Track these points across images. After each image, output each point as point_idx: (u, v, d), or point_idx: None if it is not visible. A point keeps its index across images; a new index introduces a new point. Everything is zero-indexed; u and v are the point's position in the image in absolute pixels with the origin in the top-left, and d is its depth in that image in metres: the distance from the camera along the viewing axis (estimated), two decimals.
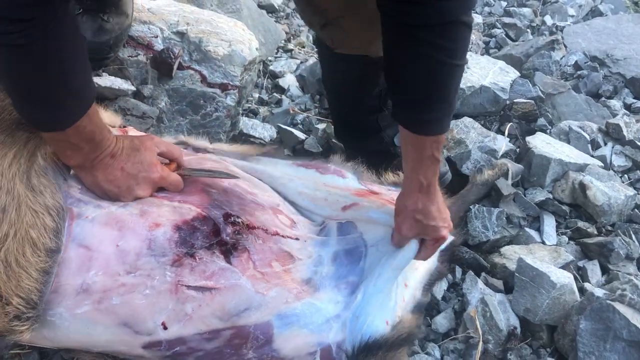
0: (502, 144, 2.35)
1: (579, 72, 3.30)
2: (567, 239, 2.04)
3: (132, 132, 1.55)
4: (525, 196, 2.14)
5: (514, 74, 2.94)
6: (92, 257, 1.26)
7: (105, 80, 1.81)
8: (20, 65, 1.09)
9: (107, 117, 1.55)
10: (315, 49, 3.16)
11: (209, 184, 1.45)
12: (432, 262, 1.67)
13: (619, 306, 1.52)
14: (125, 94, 1.86)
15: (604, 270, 1.91)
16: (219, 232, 1.36)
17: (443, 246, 1.54)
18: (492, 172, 2.13)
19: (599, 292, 1.61)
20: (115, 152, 1.30)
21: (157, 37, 1.97)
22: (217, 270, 1.33)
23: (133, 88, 1.88)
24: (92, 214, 1.29)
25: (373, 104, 1.94)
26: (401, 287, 1.54)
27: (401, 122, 1.32)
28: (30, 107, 1.19)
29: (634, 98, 3.21)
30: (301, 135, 2.42)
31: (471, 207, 2.01)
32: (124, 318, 1.27)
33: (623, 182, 2.27)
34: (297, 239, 1.51)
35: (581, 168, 2.23)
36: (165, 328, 1.29)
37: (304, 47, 3.28)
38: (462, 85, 2.68)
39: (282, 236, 1.48)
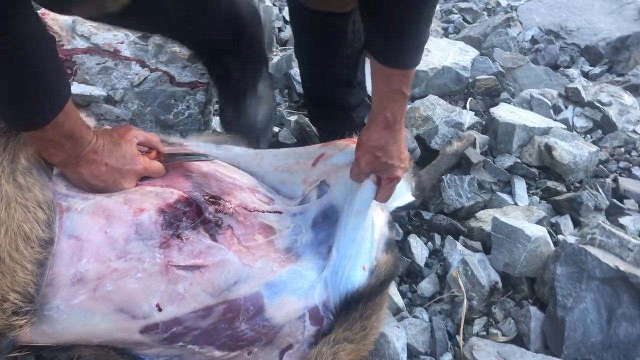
0: (467, 117, 2.43)
1: (536, 46, 3.42)
2: (538, 198, 2.12)
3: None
4: (494, 163, 2.23)
5: (473, 52, 3.04)
6: (83, 247, 1.29)
7: (75, 88, 1.86)
8: None
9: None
10: (280, 47, 3.23)
11: (189, 169, 1.50)
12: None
13: (590, 249, 1.60)
14: (97, 100, 1.89)
15: (576, 223, 1.99)
16: (202, 212, 1.41)
17: (403, 203, 1.59)
18: (460, 143, 2.21)
19: (571, 239, 1.69)
20: (97, 148, 1.33)
21: (122, 42, 2.00)
22: (204, 249, 1.38)
23: (104, 94, 1.91)
24: (80, 206, 1.32)
25: (342, 73, 1.97)
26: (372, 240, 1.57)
27: (373, 53, 1.33)
28: (4, 108, 1.21)
29: (590, 65, 3.34)
30: (274, 129, 2.47)
31: (443, 177, 2.08)
32: (119, 304, 1.30)
33: (586, 142, 2.36)
34: (275, 212, 1.56)
35: (545, 132, 2.32)
36: (160, 310, 1.33)
37: None
38: (424, 68, 2.77)
39: (261, 211, 1.52)
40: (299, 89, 2.71)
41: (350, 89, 2.00)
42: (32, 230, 1.24)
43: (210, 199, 1.44)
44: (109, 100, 1.94)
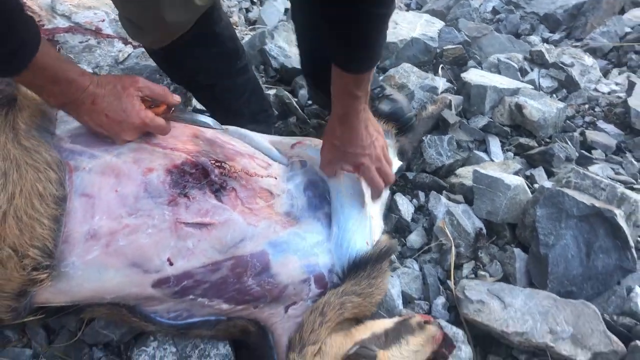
0: (440, 82, 2.53)
1: (497, 16, 3.55)
2: (512, 154, 2.24)
3: None
4: (469, 124, 2.33)
5: (439, 24, 3.14)
6: (95, 204, 1.34)
7: None
8: None
9: None
10: (249, 27, 3.28)
11: (195, 134, 1.55)
12: (385, 193, 1.83)
13: (566, 190, 1.72)
14: None
15: (549, 174, 2.11)
16: (208, 174, 1.47)
17: (394, 170, 1.69)
18: (435, 106, 2.30)
19: (548, 184, 1.80)
20: (96, 98, 1.36)
21: (103, 20, 2.04)
22: (210, 208, 1.44)
23: (90, 71, 1.94)
24: (88, 165, 1.37)
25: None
26: (370, 219, 1.68)
27: (334, 60, 1.43)
28: None
29: (550, 32, 3.49)
30: None
31: (424, 138, 2.17)
32: (132, 258, 1.36)
33: (553, 99, 2.49)
34: (272, 177, 1.63)
35: (514, 92, 2.44)
36: (171, 264, 1.39)
37: (237, 26, 3.38)
38: (394, 40, 2.86)
39: (261, 176, 1.60)
40: (275, 64, 2.76)
41: None
42: (46, 188, 1.29)
43: (216, 163, 1.50)
44: None
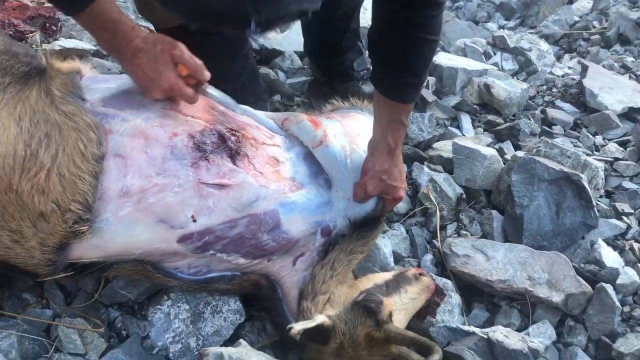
0: None
1: (456, 4, 3.79)
2: (482, 129, 2.46)
3: None
4: (442, 103, 2.53)
5: None
6: (127, 164, 1.46)
7: (68, 42, 1.96)
8: None
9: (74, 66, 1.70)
10: None
11: (210, 105, 1.68)
12: None
13: (537, 158, 1.94)
14: (87, 53, 2.00)
15: (516, 147, 2.34)
16: (225, 140, 1.61)
17: None
18: None
19: (521, 153, 2.02)
20: (137, 52, 1.47)
21: None
22: (227, 171, 1.58)
23: (94, 47, 2.03)
24: (120, 128, 1.49)
25: (340, 25, 2.21)
26: None
27: (378, 88, 1.57)
28: None
29: (505, 20, 3.75)
30: None
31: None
32: (160, 215, 1.48)
33: (517, 80, 2.73)
34: (277, 146, 1.77)
35: (482, 73, 2.65)
36: (194, 220, 1.52)
37: None
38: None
39: (268, 145, 1.74)
40: (255, 45, 2.88)
41: (345, 34, 2.24)
42: (87, 147, 1.41)
43: (231, 131, 1.63)
44: (97, 54, 2.05)
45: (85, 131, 1.42)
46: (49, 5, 2.06)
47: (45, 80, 1.52)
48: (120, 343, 1.65)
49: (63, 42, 1.95)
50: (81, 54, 2.00)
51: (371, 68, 1.70)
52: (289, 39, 2.78)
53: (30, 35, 1.95)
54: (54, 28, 2.02)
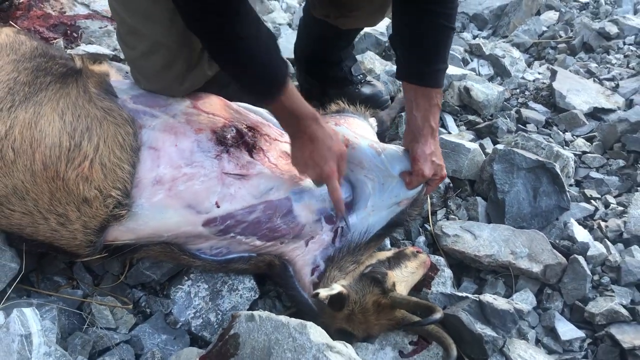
0: None
1: None
2: (464, 128, 2.69)
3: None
4: None
5: (387, 20, 3.55)
6: (160, 155, 1.65)
7: (90, 48, 2.14)
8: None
9: (104, 68, 1.88)
10: None
11: (226, 104, 1.87)
12: None
13: (516, 149, 2.17)
14: (105, 59, 2.18)
15: (495, 143, 2.57)
16: (243, 135, 1.80)
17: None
18: None
19: (501, 146, 2.25)
20: (314, 139, 1.64)
21: None
22: (246, 163, 1.77)
23: (111, 52, 2.21)
24: (152, 123, 1.67)
25: (341, 43, 2.41)
26: None
27: (413, 79, 1.74)
28: (251, 88, 1.65)
29: (479, 30, 4.01)
30: None
31: (402, 114, 2.56)
32: (188, 201, 1.67)
33: (494, 84, 2.98)
34: (288, 143, 1.96)
35: (461, 78, 2.89)
36: (218, 206, 1.70)
37: None
38: None
39: (279, 141, 1.92)
40: None
41: (343, 50, 2.45)
42: (125, 140, 1.59)
43: (247, 127, 1.82)
44: (115, 58, 2.23)
45: (123, 125, 1.61)
46: (70, 14, 2.23)
47: (82, 79, 1.70)
48: (145, 320, 1.82)
49: (85, 48, 2.12)
50: (99, 59, 2.17)
51: (397, 65, 1.87)
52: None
53: (54, 41, 2.13)
54: (75, 35, 2.19)
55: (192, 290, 1.85)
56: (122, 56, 2.25)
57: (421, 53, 1.74)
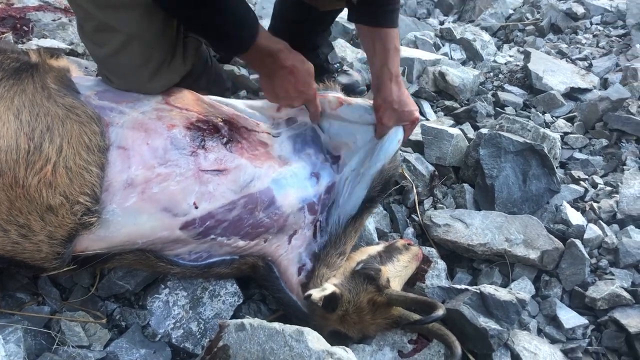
0: None
1: None
2: (442, 114, 2.61)
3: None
4: None
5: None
6: (130, 155, 1.50)
7: (44, 42, 1.97)
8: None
9: (64, 63, 1.73)
10: None
11: (198, 98, 1.73)
12: None
13: (502, 133, 2.09)
14: (63, 52, 2.02)
15: (474, 127, 2.50)
16: (218, 129, 1.67)
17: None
18: None
19: (485, 130, 2.17)
20: (294, 70, 1.62)
21: None
22: (223, 157, 1.64)
23: (69, 47, 2.04)
24: (120, 121, 1.52)
25: (317, 27, 2.32)
26: None
27: (368, 22, 1.69)
28: (218, 43, 1.63)
29: (444, 15, 3.95)
30: None
31: None
32: (163, 203, 1.53)
33: (468, 67, 2.91)
34: (265, 133, 1.85)
35: (434, 63, 2.81)
36: (196, 207, 1.57)
37: None
38: None
39: (256, 132, 1.81)
40: None
41: (319, 34, 2.36)
42: (91, 140, 1.44)
43: (223, 121, 1.70)
44: (72, 52, 2.07)
45: (89, 123, 1.45)
46: (18, 5, 2.05)
47: (39, 74, 1.54)
48: (120, 334, 1.67)
49: (38, 42, 1.95)
50: (55, 53, 2.01)
51: (349, 10, 1.84)
52: None
53: (3, 36, 1.94)
54: (26, 29, 2.01)
55: (170, 299, 1.72)
56: (79, 50, 2.09)
57: None
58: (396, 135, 1.77)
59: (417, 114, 1.79)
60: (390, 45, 1.70)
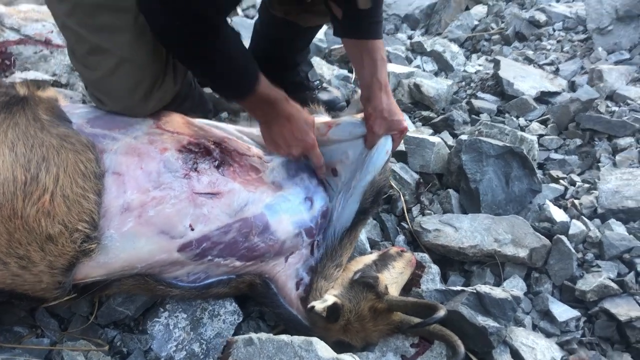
0: (350, 73, 2.92)
1: None
2: (420, 124, 2.67)
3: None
4: None
5: (324, 26, 3.53)
6: (125, 180, 1.52)
7: (28, 74, 1.98)
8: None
9: (51, 93, 1.75)
10: None
11: (188, 121, 1.76)
12: None
13: (482, 138, 2.16)
14: (47, 84, 2.03)
15: (453, 135, 2.56)
16: (210, 152, 1.70)
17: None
18: None
19: (465, 137, 2.24)
20: (291, 117, 1.68)
21: (52, 32, 2.15)
22: (216, 180, 1.67)
23: (52, 78, 2.05)
24: (113, 147, 1.54)
25: (295, 46, 2.36)
26: None
27: (357, 35, 1.76)
28: (223, 87, 1.66)
29: (412, 30, 4.05)
30: None
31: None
32: (160, 226, 1.55)
33: (441, 78, 2.99)
34: (256, 156, 1.87)
35: (409, 75, 2.89)
36: (192, 229, 1.59)
37: None
38: None
39: (248, 155, 1.83)
40: None
41: (298, 52, 2.40)
42: (87, 167, 1.46)
43: (214, 144, 1.73)
44: (56, 83, 2.08)
45: (83, 151, 1.47)
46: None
47: (29, 107, 1.55)
48: None
49: (22, 75, 1.96)
50: (39, 85, 2.02)
51: (334, 26, 1.90)
52: None
53: None
54: (8, 62, 2.02)
55: (170, 322, 1.72)
56: (63, 81, 2.10)
57: (360, 10, 1.70)
58: (384, 146, 1.80)
59: (405, 123, 1.83)
60: (378, 56, 1.75)
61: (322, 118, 1.97)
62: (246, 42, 2.57)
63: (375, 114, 1.76)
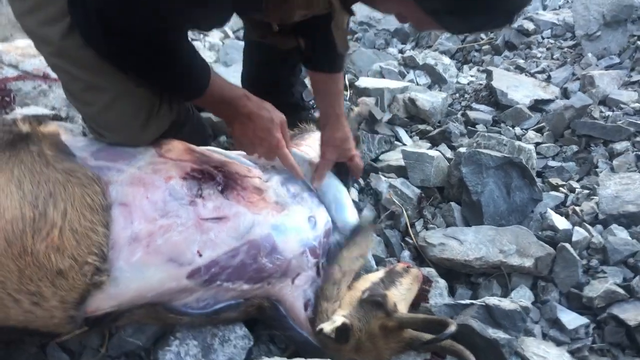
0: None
1: (355, 36, 4.09)
2: (418, 138, 2.70)
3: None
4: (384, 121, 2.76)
5: None
6: (132, 211, 1.53)
7: (28, 110, 2.00)
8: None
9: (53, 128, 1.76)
10: None
11: (188, 148, 1.77)
12: None
13: (480, 150, 2.18)
14: (47, 118, 2.04)
15: (450, 148, 2.59)
16: (213, 177, 1.71)
17: None
18: (360, 109, 2.69)
19: (463, 149, 2.26)
20: (251, 115, 1.68)
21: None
22: (221, 205, 1.68)
23: (52, 112, 2.07)
24: (119, 178, 1.55)
25: (290, 63, 2.38)
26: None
27: (321, 69, 1.85)
28: (175, 90, 1.66)
29: (402, 44, 4.09)
30: None
31: (358, 133, 2.53)
32: (168, 254, 1.55)
33: (435, 91, 3.02)
34: (257, 178, 1.89)
35: (403, 90, 2.91)
36: (200, 255, 1.60)
37: None
38: None
39: (249, 177, 1.85)
40: None
41: (292, 75, 2.44)
42: (94, 200, 1.47)
43: (216, 168, 1.74)
44: (56, 117, 2.09)
45: (90, 184, 1.48)
46: None
47: (33, 143, 1.56)
48: None
49: (22, 111, 1.98)
50: (40, 120, 2.03)
51: (306, 58, 1.99)
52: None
53: None
54: (7, 99, 2.04)
55: (181, 350, 1.72)
56: (62, 115, 2.12)
57: (324, 45, 1.82)
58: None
59: (353, 151, 1.97)
60: (337, 89, 1.89)
61: (316, 136, 2.02)
62: (238, 65, 2.61)
63: (330, 141, 1.90)
